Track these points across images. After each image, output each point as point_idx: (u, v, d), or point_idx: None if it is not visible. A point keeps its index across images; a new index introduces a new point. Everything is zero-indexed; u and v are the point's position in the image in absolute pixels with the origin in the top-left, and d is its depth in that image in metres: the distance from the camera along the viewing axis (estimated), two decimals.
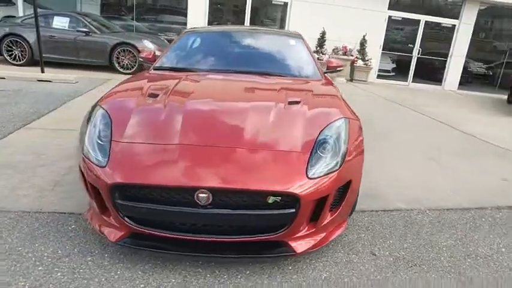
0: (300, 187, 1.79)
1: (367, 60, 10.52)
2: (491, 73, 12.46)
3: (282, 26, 10.86)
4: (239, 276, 1.92)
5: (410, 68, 11.38)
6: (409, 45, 11.29)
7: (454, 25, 11.11)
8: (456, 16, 11.04)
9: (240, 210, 1.78)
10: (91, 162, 1.88)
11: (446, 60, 11.40)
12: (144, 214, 1.81)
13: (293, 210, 1.80)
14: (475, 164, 4.13)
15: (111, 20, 9.43)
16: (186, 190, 1.74)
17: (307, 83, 2.92)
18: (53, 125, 4.18)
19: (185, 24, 10.42)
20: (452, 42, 11.22)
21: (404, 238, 2.41)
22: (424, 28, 11.06)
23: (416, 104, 7.91)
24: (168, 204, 1.77)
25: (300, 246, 1.92)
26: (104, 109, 2.14)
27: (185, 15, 10.38)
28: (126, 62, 7.74)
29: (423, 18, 10.99)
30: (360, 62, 10.43)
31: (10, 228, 2.21)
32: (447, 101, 9.19)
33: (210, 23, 10.37)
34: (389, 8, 10.72)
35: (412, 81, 11.46)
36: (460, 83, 11.48)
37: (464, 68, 11.47)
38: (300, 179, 1.81)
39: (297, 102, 2.34)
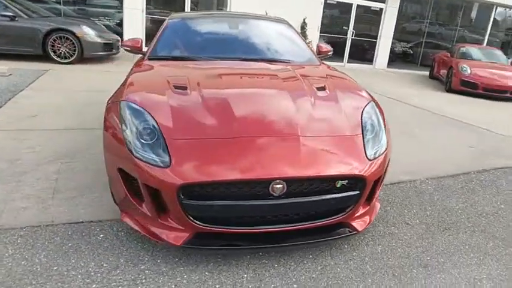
0: (364, 169, 1.84)
1: (308, 43, 10.84)
2: (412, 52, 13.75)
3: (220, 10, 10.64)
4: (305, 261, 1.92)
5: (346, 50, 12.04)
6: (344, 27, 11.91)
7: (382, 8, 11.98)
8: (383, 0, 11.89)
9: (311, 197, 1.76)
10: (149, 164, 1.69)
11: (376, 42, 12.29)
12: (213, 212, 1.70)
13: (358, 192, 1.85)
14: (441, 134, 4.60)
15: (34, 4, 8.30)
16: (261, 182, 1.67)
17: (316, 67, 2.94)
18: (11, 125, 3.62)
19: (118, 8, 9.64)
20: (381, 24, 12.11)
21: (423, 206, 2.62)
22: (356, 11, 11.73)
23: (360, 82, 8.43)
24: (239, 199, 1.69)
25: (359, 225, 1.99)
26: (137, 105, 1.92)
27: None
28: (64, 50, 6.91)
29: (355, 1, 11.63)
30: None
31: (29, 247, 1.90)
32: (383, 78, 9.97)
33: (147, 7, 9.73)
34: None
35: (347, 62, 12.15)
36: (388, 62, 12.51)
37: (390, 48, 12.50)
38: (363, 161, 1.86)
39: (323, 88, 2.36)
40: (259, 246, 1.80)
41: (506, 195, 2.91)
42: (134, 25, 9.54)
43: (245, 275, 1.79)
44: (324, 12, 11.35)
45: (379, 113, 2.22)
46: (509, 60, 9.49)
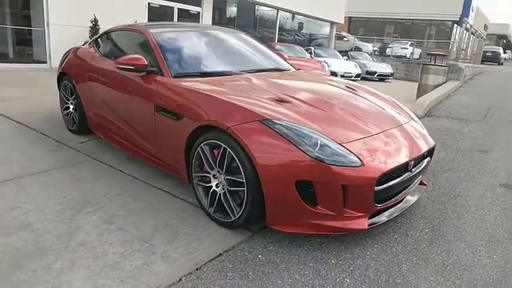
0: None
1: None
2: None
3: (38, 12, 8.97)
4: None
5: None
6: None
7: (199, 12, 12.90)
8: (199, 4, 12.82)
9: (422, 164, 2.49)
10: (344, 166, 1.97)
11: None
12: (383, 193, 2.15)
13: (429, 158, 2.68)
14: None
15: None
16: (407, 163, 2.25)
17: (310, 71, 3.51)
18: None
19: None
20: None
21: None
22: (178, 15, 12.18)
23: None
24: (395, 179, 2.21)
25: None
26: (289, 122, 2.10)
27: None
28: None
29: (176, 5, 12.06)
30: None
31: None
32: None
33: None
34: None
35: None
36: None
37: None
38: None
39: (354, 88, 3.06)
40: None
41: None
42: None
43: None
44: (150, 16, 11.25)
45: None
46: (309, 54, 12.34)
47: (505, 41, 55.76)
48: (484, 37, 39.64)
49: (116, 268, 1.89)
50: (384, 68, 16.17)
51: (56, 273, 1.82)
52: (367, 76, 14.77)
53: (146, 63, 2.78)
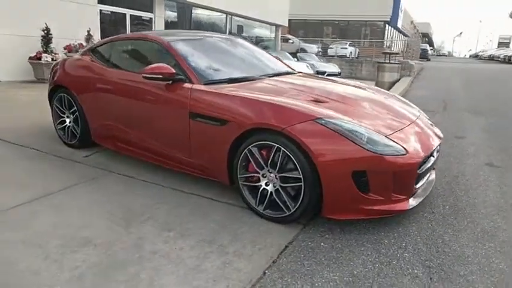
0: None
1: None
2: None
3: None
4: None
5: None
6: None
7: (151, 18, 12.64)
8: (151, 10, 12.56)
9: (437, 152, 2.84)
10: (394, 155, 2.24)
11: None
12: (420, 176, 2.46)
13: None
14: None
15: None
16: (432, 152, 2.58)
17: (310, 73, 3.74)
18: None
19: None
20: None
21: None
22: (130, 21, 11.84)
23: None
24: (426, 163, 2.52)
25: None
26: (339, 120, 2.32)
27: None
28: None
29: (128, 12, 11.70)
30: None
31: None
32: None
33: None
34: (99, 2, 10.59)
35: None
36: None
37: None
38: None
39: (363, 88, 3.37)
40: None
41: None
42: None
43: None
44: (102, 23, 10.81)
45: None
46: None
47: (427, 38, 61.41)
48: (410, 35, 43.41)
49: (200, 270, 1.95)
50: (332, 67, 17.11)
51: (148, 282, 1.84)
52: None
53: (174, 71, 2.81)
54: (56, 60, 8.88)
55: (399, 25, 34.65)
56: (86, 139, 3.70)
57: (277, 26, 21.90)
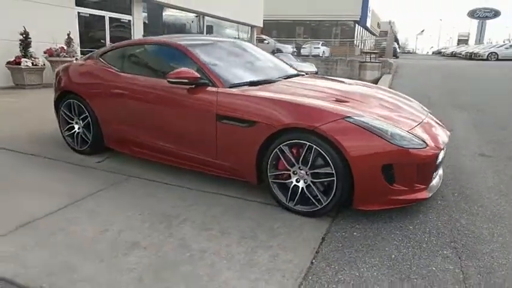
0: None
1: (77, 59, 9.91)
2: None
3: None
4: None
5: None
6: (101, 40, 11.53)
7: (130, 20, 12.45)
8: (130, 12, 12.37)
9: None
10: (417, 148, 2.44)
11: None
12: (436, 167, 2.68)
13: None
14: None
15: None
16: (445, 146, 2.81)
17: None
18: None
19: None
20: (132, 35, 12.60)
21: None
22: (110, 24, 11.62)
23: None
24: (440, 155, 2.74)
25: None
26: (370, 118, 2.50)
27: None
28: None
29: (107, 14, 11.48)
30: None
31: None
32: None
33: None
34: (77, 5, 10.34)
35: None
36: None
37: None
38: None
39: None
40: None
41: None
42: None
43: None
44: (80, 25, 10.55)
45: None
46: None
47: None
48: (377, 34, 44.93)
49: (253, 264, 2.06)
50: (309, 67, 17.34)
51: (208, 278, 1.93)
52: None
53: (198, 76, 2.90)
54: (37, 64, 8.65)
55: (368, 24, 35.79)
56: (98, 145, 3.70)
57: (252, 26, 22.09)
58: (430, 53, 70.45)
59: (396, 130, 2.49)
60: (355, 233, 2.43)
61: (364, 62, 10.13)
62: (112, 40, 11.62)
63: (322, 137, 2.43)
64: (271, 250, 2.21)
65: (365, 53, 10.81)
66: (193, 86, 2.95)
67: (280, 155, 2.61)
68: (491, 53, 24.64)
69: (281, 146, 2.58)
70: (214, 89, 2.89)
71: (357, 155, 2.37)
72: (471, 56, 26.93)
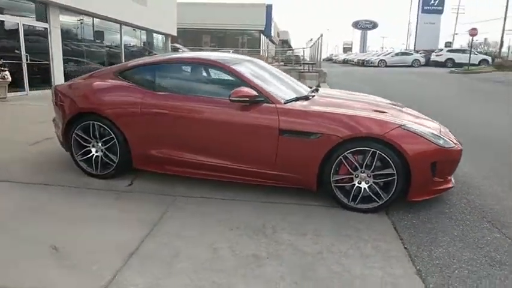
0: None
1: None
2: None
3: None
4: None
5: (24, 76, 10.45)
6: (16, 51, 10.16)
7: (46, 28, 11.22)
8: (46, 20, 11.14)
9: None
10: (451, 147, 3.06)
11: (49, 63, 11.47)
12: None
13: None
14: None
15: None
16: None
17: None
18: None
19: None
20: (49, 44, 11.37)
21: None
22: (24, 32, 10.31)
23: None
24: None
25: None
26: (410, 126, 3.02)
27: None
28: None
29: (21, 21, 10.16)
30: None
31: None
32: None
33: None
34: None
35: (29, 90, 10.65)
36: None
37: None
38: None
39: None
40: None
41: None
42: None
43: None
44: None
45: None
46: None
47: (286, 45, 68.53)
48: (277, 43, 48.05)
49: (366, 256, 2.40)
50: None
51: (348, 275, 2.20)
52: None
53: (256, 94, 3.09)
54: None
55: (272, 34, 38.08)
56: (124, 167, 3.53)
57: (166, 35, 21.68)
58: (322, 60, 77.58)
59: (435, 134, 3.10)
60: (414, 221, 2.95)
61: (303, 71, 11.09)
62: (28, 50, 10.36)
63: (385, 143, 2.89)
64: (370, 242, 2.57)
65: (303, 64, 11.81)
66: (247, 104, 3.12)
67: (344, 161, 2.98)
68: (380, 60, 28.76)
69: (345, 153, 2.96)
70: (272, 105, 3.11)
71: (414, 156, 2.89)
72: (363, 63, 30.88)
